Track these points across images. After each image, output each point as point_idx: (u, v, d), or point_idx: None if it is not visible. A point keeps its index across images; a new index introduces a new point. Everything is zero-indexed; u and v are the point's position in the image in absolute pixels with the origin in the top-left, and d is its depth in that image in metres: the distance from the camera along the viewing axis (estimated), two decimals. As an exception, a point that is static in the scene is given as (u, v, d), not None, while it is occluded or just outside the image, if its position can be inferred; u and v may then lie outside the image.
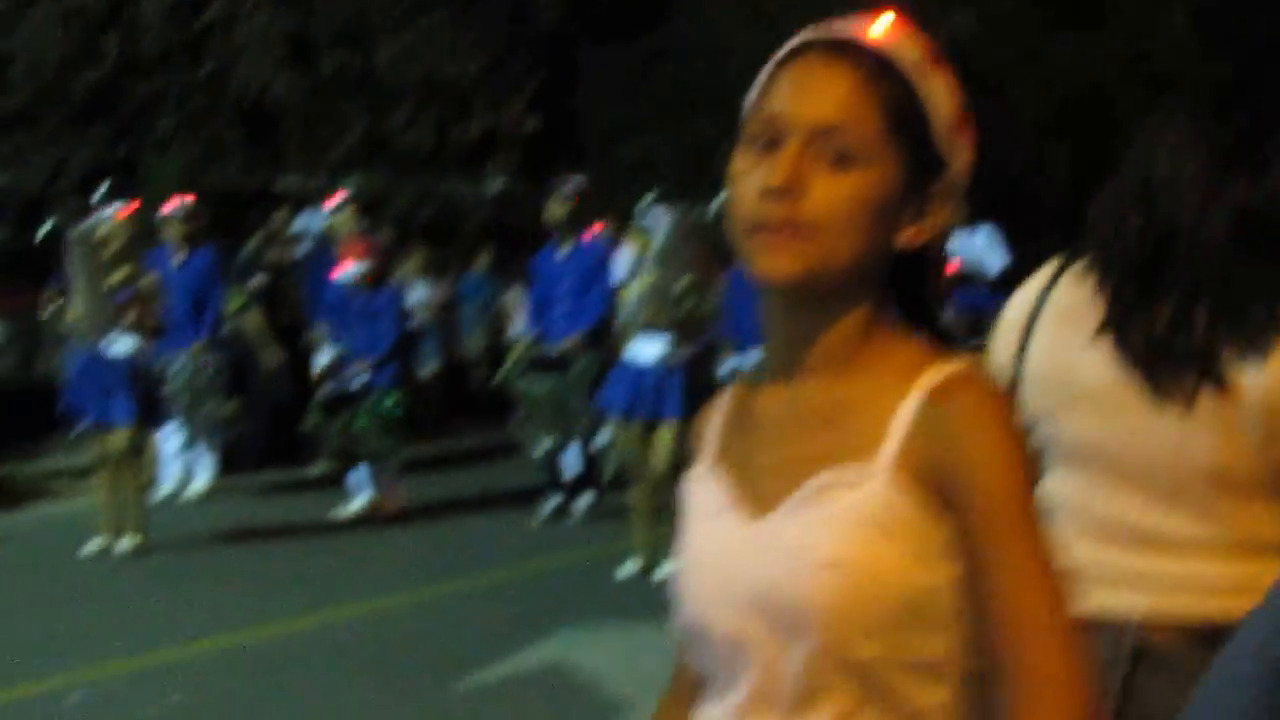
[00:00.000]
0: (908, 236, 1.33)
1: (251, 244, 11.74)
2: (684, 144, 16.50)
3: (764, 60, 1.49)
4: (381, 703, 5.46)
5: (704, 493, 1.41)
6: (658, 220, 8.30)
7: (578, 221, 8.64)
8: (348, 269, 9.05)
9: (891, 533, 1.27)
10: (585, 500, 8.24)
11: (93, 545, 7.67)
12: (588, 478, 8.30)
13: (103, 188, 8.79)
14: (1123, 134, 16.83)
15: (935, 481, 1.28)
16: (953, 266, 9.93)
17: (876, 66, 1.31)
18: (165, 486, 9.51)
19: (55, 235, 9.02)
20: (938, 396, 1.29)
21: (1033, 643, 1.24)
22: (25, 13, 13.53)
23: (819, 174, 1.29)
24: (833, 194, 1.28)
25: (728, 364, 7.70)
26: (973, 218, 9.90)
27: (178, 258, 9.15)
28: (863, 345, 1.35)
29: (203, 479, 9.58)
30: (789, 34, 1.51)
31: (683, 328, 7.34)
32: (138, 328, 7.96)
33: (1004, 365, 2.35)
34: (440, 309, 12.57)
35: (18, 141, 13.58)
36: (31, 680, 5.62)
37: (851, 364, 1.35)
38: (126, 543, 7.70)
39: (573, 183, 8.93)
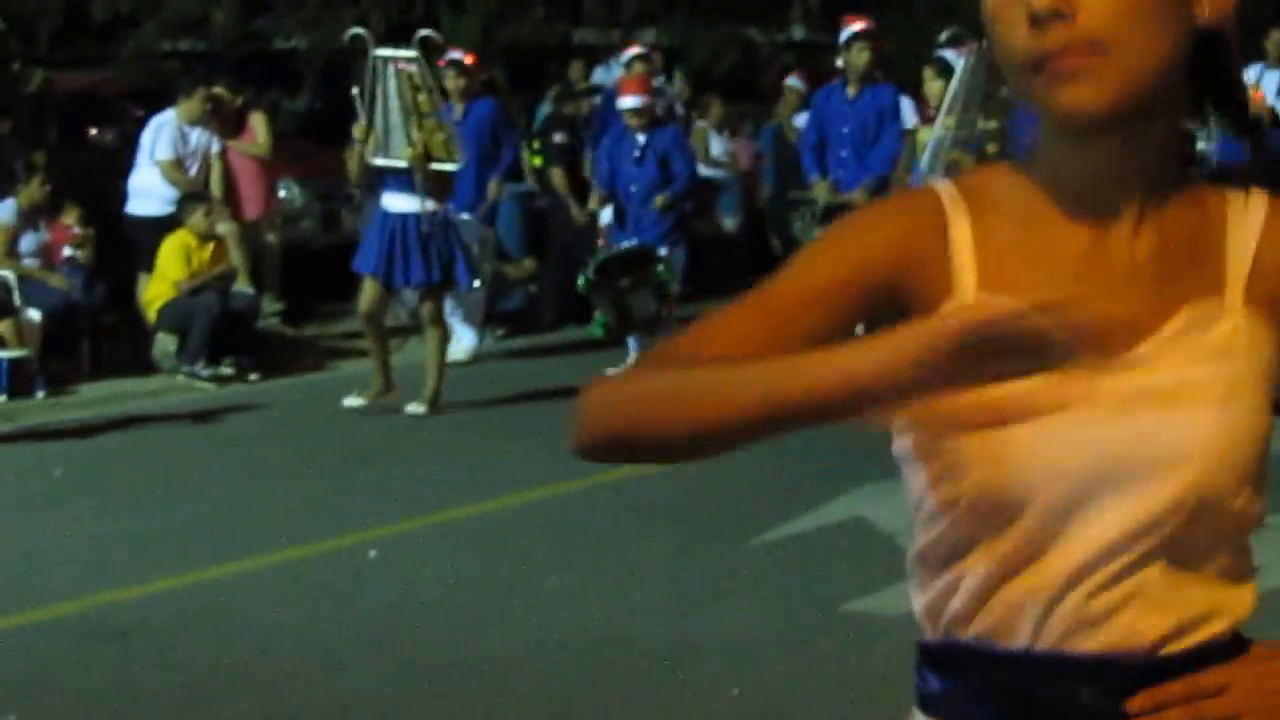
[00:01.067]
0: (1211, 7, 1.14)
1: (549, 99, 11.66)
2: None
3: None
4: (680, 557, 5.48)
5: None
6: (955, 63, 7.92)
7: (874, 68, 8.49)
8: (625, 101, 8.92)
9: (1255, 371, 1.17)
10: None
11: (353, 400, 7.77)
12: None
13: (416, 39, 8.63)
14: None
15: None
16: (1259, 97, 9.21)
17: None
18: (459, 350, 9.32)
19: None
20: (1274, 221, 1.19)
21: None
22: None
23: None
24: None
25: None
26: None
27: (457, 110, 9.17)
28: (1165, 175, 1.20)
29: (466, 346, 9.31)
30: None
31: None
32: (428, 187, 7.84)
33: None
34: (740, 162, 12.11)
35: (316, 3, 13.60)
36: (330, 537, 5.75)
37: (1163, 197, 1.19)
38: (416, 406, 7.71)
39: (866, 28, 8.75)
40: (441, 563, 5.59)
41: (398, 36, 11.89)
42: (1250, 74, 9.66)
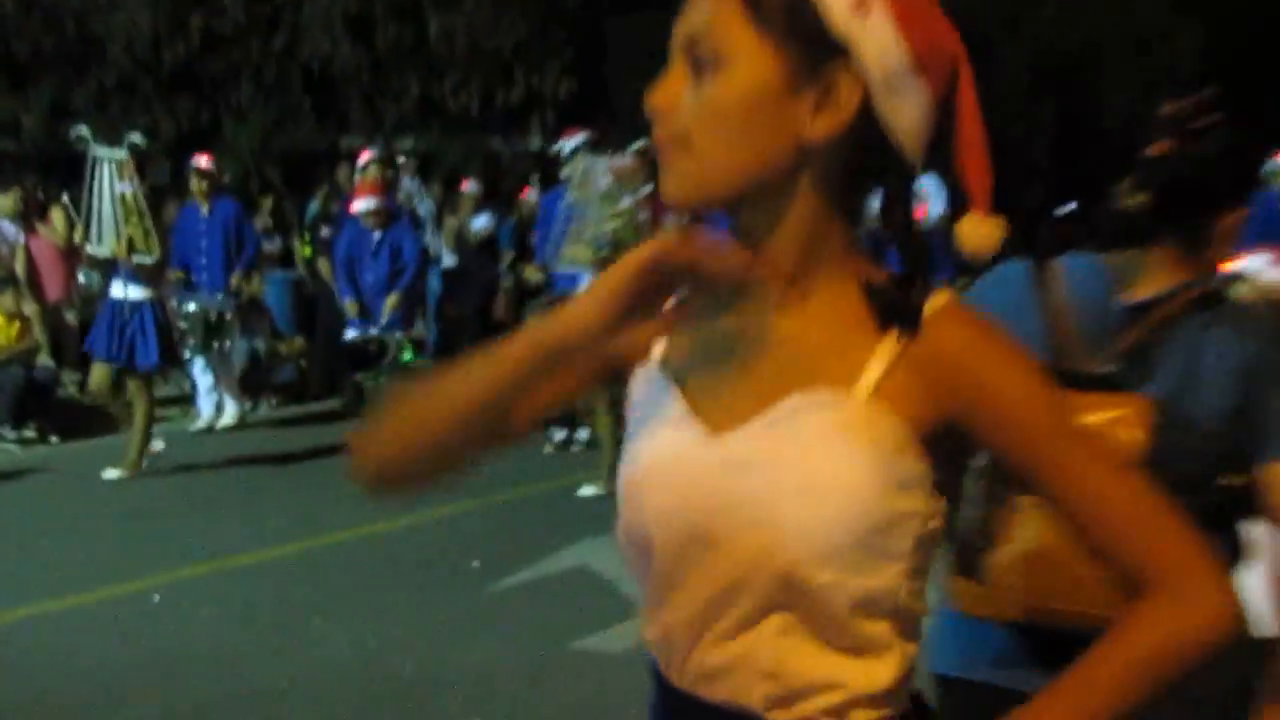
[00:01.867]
0: (816, 129, 1.17)
1: (318, 198, 12.37)
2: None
3: None
4: (428, 601, 5.78)
5: (657, 397, 1.30)
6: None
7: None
8: (360, 204, 9.52)
9: (869, 456, 1.18)
10: (583, 433, 8.92)
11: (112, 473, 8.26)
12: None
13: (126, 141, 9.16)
14: (1106, 92, 17.25)
15: (936, 414, 1.20)
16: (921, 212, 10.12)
17: None
18: (201, 420, 10.23)
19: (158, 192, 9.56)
20: (926, 329, 1.20)
21: (1160, 541, 1.20)
22: None
23: (690, 86, 1.19)
24: (696, 103, 1.18)
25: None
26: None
27: (203, 209, 9.81)
28: (818, 265, 1.23)
29: (230, 413, 10.21)
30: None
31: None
32: (138, 276, 8.43)
33: None
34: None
35: (114, 110, 14.43)
36: (118, 583, 6.02)
37: (812, 284, 1.23)
38: (112, 472, 8.26)
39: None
40: (217, 605, 5.85)
41: (188, 143, 12.91)
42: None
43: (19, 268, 10.65)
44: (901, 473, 1.17)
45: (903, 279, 1.22)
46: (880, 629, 1.20)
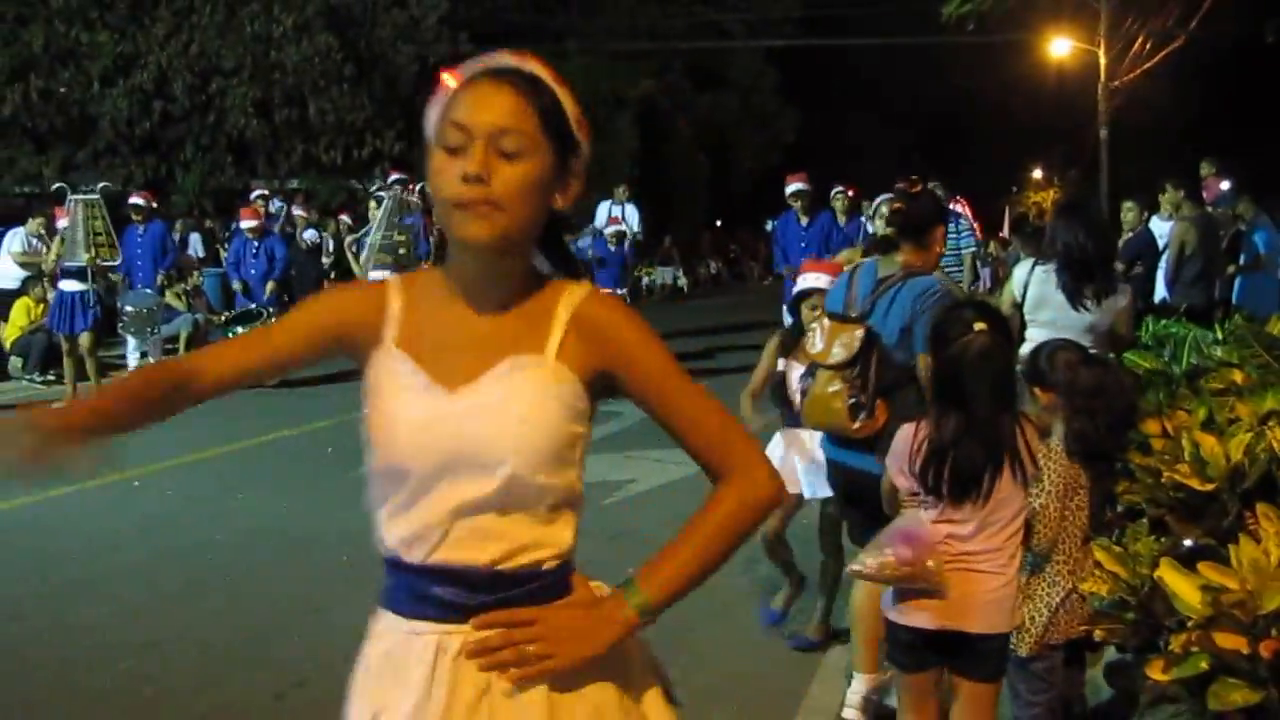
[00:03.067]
0: (561, 202, 1.70)
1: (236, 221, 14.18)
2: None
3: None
4: (307, 484, 6.88)
5: (396, 367, 1.70)
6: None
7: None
8: (245, 223, 12.68)
9: (559, 399, 1.66)
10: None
11: None
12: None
13: (99, 187, 11.82)
14: (740, 151, 25.06)
15: (595, 365, 1.69)
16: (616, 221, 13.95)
17: (529, 84, 1.65)
18: None
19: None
20: (584, 308, 1.71)
21: (733, 443, 1.72)
22: (108, 91, 19.55)
23: (500, 164, 1.61)
24: (511, 178, 1.61)
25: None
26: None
27: (141, 229, 12.10)
28: (527, 280, 1.73)
29: None
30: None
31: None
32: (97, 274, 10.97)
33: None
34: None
35: (104, 165, 19.57)
36: (108, 476, 6.90)
37: (520, 293, 1.71)
38: None
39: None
40: (176, 489, 7.38)
41: (151, 185, 17.19)
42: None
43: (46, 267, 12.91)
44: (577, 407, 1.68)
45: (571, 276, 1.77)
46: (564, 507, 1.70)
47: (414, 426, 1.65)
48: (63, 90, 19.25)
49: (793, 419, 4.77)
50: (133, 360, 12.13)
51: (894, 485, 3.23)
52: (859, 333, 3.91)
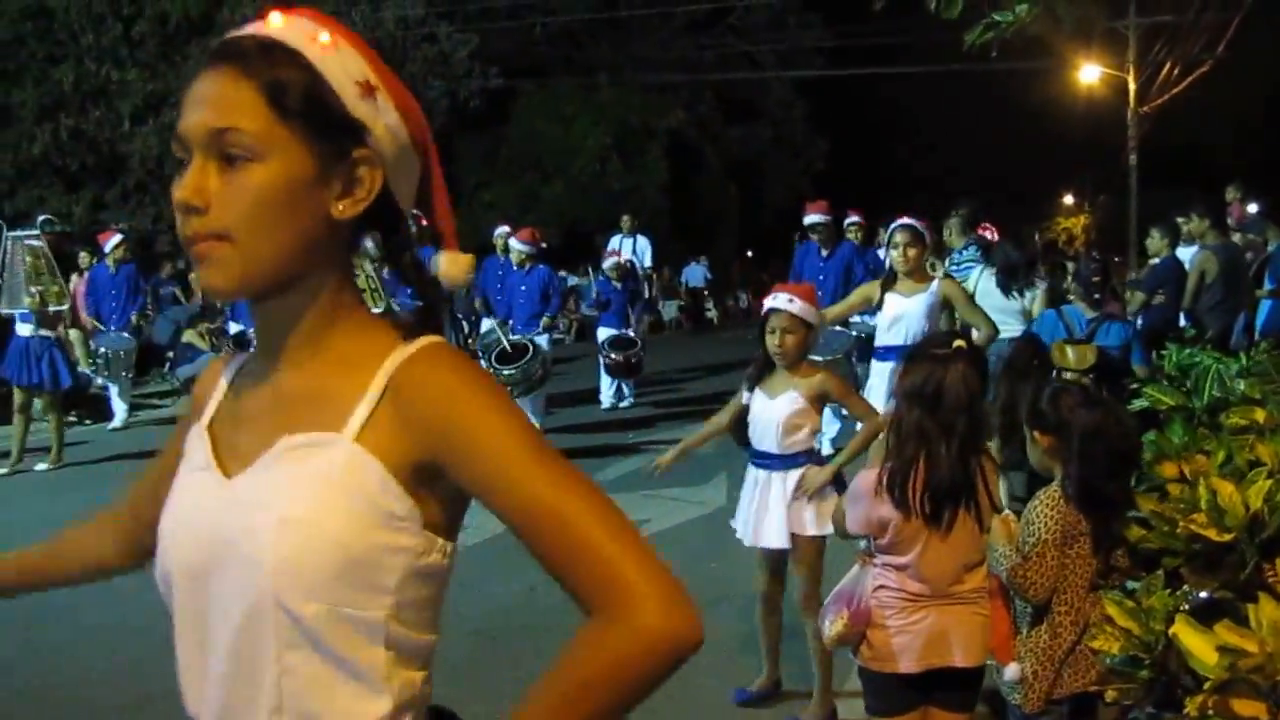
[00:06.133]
0: (343, 208, 1.25)
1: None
2: (517, 193, 24.49)
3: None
4: None
5: (194, 449, 1.36)
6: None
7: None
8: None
9: (350, 494, 1.21)
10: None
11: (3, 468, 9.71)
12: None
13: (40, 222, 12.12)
14: (770, 181, 25.58)
15: (412, 453, 1.23)
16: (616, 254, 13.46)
17: (257, 57, 1.22)
18: (116, 420, 12.23)
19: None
20: (404, 373, 1.24)
21: (611, 561, 1.14)
22: (138, 129, 19.77)
23: (220, 179, 1.21)
24: (235, 196, 1.20)
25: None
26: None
27: (113, 269, 12.41)
28: (332, 326, 1.30)
29: (120, 414, 12.32)
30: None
31: None
32: (44, 321, 10.27)
33: None
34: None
35: (133, 204, 19.69)
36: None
37: (324, 344, 1.30)
38: (43, 465, 9.99)
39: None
40: None
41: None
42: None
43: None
44: (385, 509, 1.21)
45: (422, 311, 1.32)
46: (377, 658, 1.22)
47: (181, 520, 1.32)
48: (93, 129, 19.50)
49: (760, 457, 4.56)
50: (117, 408, 12.39)
51: (855, 526, 3.40)
52: None
